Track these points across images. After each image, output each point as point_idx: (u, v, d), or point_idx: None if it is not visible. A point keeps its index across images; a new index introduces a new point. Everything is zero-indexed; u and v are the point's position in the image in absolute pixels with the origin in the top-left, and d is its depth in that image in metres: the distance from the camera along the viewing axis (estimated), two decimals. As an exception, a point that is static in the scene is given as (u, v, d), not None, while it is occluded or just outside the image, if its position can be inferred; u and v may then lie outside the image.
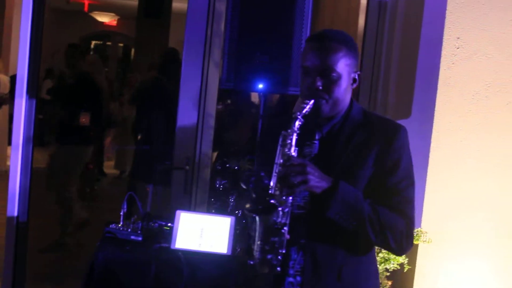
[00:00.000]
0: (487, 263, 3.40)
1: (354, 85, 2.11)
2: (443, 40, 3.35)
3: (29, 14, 3.72)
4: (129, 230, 3.03)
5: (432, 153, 3.37)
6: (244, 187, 1.98)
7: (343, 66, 2.04)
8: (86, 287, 2.84)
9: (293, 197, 1.94)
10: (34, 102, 3.77)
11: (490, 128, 3.35)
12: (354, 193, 2.01)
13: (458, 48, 3.35)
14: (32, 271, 4.31)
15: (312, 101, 2.00)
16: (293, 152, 1.96)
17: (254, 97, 5.01)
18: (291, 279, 2.07)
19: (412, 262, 3.26)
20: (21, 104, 3.72)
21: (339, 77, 2.04)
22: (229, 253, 2.88)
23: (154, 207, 3.67)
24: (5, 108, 8.86)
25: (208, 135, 3.77)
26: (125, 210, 3.09)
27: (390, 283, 3.07)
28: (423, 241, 3.20)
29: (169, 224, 3.17)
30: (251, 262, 1.97)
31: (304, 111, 1.98)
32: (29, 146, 3.76)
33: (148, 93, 6.47)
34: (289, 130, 1.97)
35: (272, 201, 1.89)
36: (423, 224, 3.32)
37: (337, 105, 2.08)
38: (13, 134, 3.73)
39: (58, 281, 4.92)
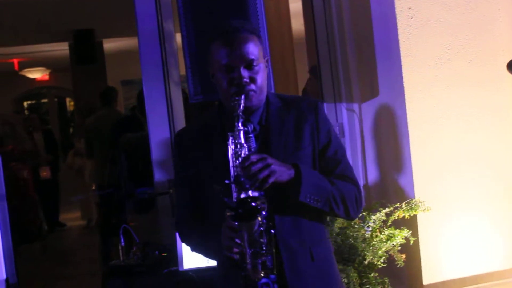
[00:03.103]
0: (487, 217, 3.45)
1: (267, 71, 2.13)
2: (396, 13, 3.40)
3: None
4: (133, 262, 2.95)
5: (411, 125, 3.40)
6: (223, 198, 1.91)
7: (259, 54, 2.06)
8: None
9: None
10: (0, 158, 3.65)
11: (460, 88, 3.42)
12: (314, 172, 2.06)
13: (412, 18, 3.42)
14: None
15: (243, 96, 2.00)
16: (246, 150, 1.95)
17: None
18: (264, 280, 1.96)
19: (415, 233, 3.27)
20: (-13, 163, 3.58)
21: (260, 65, 2.06)
22: (239, 262, 2.83)
23: (144, 237, 3.57)
24: None
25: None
26: (123, 244, 3.01)
27: (404, 256, 3.06)
28: (422, 210, 3.21)
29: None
30: (242, 273, 1.90)
31: (241, 107, 1.98)
32: (4, 204, 3.63)
33: (97, 135, 6.37)
34: (235, 131, 1.96)
35: (253, 204, 1.84)
36: (416, 194, 3.35)
37: (263, 94, 2.10)
38: (-15, 194, 3.59)
39: None
